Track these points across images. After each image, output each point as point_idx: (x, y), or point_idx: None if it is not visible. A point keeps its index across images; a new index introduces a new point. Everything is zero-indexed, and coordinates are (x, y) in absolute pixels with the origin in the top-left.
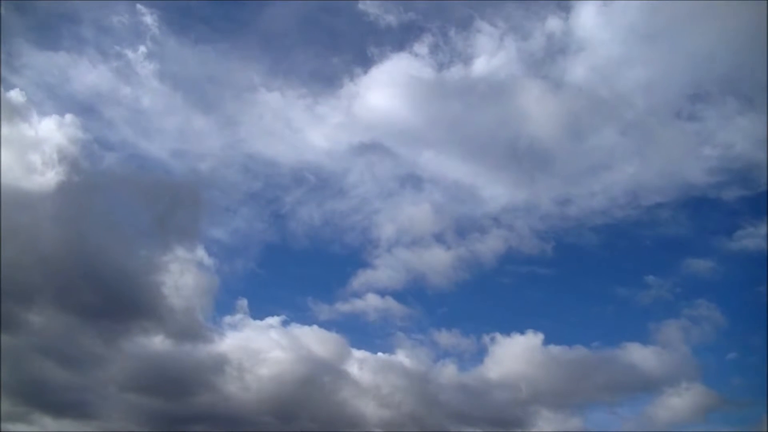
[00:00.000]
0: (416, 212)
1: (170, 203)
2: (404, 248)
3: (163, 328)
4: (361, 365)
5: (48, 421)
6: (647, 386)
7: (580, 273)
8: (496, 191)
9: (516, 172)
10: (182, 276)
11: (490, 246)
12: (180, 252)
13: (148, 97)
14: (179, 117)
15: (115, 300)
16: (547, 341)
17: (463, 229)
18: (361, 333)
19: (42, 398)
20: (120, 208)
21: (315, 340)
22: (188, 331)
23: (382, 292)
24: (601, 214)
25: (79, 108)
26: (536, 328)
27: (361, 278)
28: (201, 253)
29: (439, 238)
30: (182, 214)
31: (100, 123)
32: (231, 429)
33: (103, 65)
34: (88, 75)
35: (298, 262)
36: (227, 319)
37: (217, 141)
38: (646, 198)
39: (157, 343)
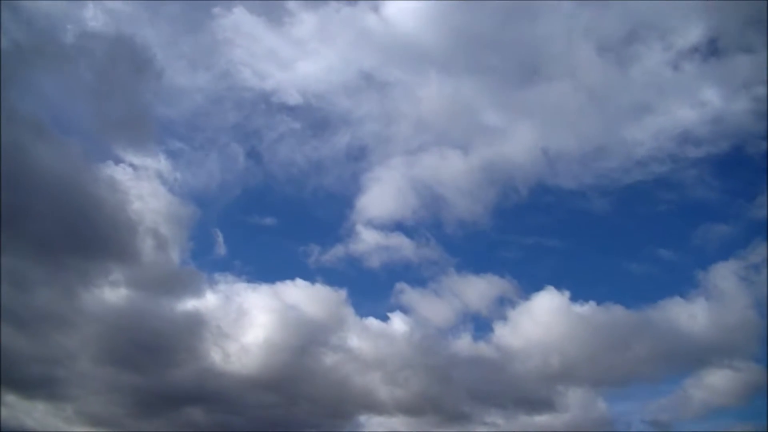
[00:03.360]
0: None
1: (107, 79)
2: (411, 156)
3: (129, 274)
4: (363, 331)
5: (23, 405)
6: (694, 356)
7: (613, 231)
8: (526, 136)
9: (552, 111)
10: (145, 197)
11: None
12: (134, 159)
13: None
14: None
15: (62, 230)
16: (574, 298)
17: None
18: (363, 286)
19: (6, 373)
20: (43, 96)
21: (307, 300)
22: (162, 279)
23: (385, 228)
24: (640, 167)
25: None
26: (562, 285)
27: (360, 210)
28: (164, 163)
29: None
30: (125, 93)
31: None
32: (229, 412)
33: None
34: None
35: (284, 204)
36: (206, 275)
37: (200, 73)
38: (694, 150)
39: (125, 298)
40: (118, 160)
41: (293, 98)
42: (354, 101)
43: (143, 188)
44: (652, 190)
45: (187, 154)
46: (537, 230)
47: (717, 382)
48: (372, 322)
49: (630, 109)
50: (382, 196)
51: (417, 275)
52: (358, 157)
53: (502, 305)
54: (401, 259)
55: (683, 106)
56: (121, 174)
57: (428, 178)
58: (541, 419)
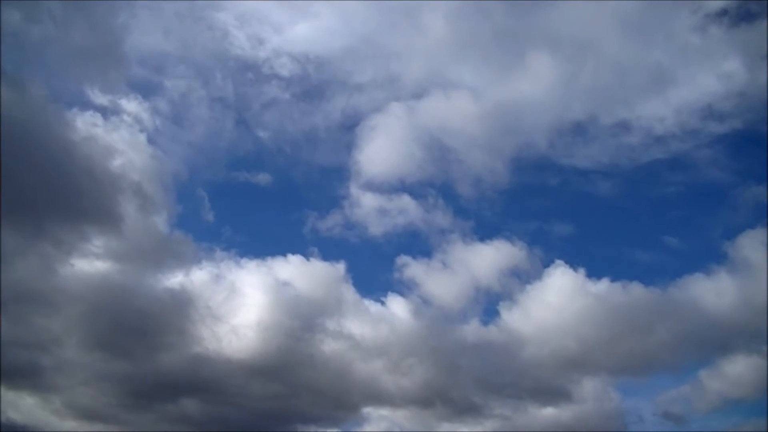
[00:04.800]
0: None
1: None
2: (414, 100)
3: (111, 243)
4: (363, 312)
5: (8, 397)
6: (718, 340)
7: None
8: (544, 111)
9: (572, 85)
10: (122, 147)
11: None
12: (104, 100)
13: None
14: None
15: (32, 192)
16: (590, 275)
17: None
18: (363, 261)
19: None
20: None
21: (303, 277)
22: (148, 249)
23: (386, 189)
24: (660, 144)
25: None
26: (577, 261)
27: (357, 168)
28: (142, 106)
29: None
30: (91, 16)
31: None
32: (226, 404)
33: None
34: None
35: (276, 167)
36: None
37: (184, 38)
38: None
39: (108, 271)
40: (87, 104)
41: (288, 63)
42: (356, 60)
43: (120, 137)
44: (671, 168)
45: (171, 120)
46: (551, 204)
47: (738, 370)
48: (373, 301)
49: (653, 77)
50: (382, 149)
51: (422, 245)
52: (354, 118)
53: (516, 279)
54: (406, 226)
55: (709, 76)
56: (93, 121)
57: (434, 127)
58: (552, 411)
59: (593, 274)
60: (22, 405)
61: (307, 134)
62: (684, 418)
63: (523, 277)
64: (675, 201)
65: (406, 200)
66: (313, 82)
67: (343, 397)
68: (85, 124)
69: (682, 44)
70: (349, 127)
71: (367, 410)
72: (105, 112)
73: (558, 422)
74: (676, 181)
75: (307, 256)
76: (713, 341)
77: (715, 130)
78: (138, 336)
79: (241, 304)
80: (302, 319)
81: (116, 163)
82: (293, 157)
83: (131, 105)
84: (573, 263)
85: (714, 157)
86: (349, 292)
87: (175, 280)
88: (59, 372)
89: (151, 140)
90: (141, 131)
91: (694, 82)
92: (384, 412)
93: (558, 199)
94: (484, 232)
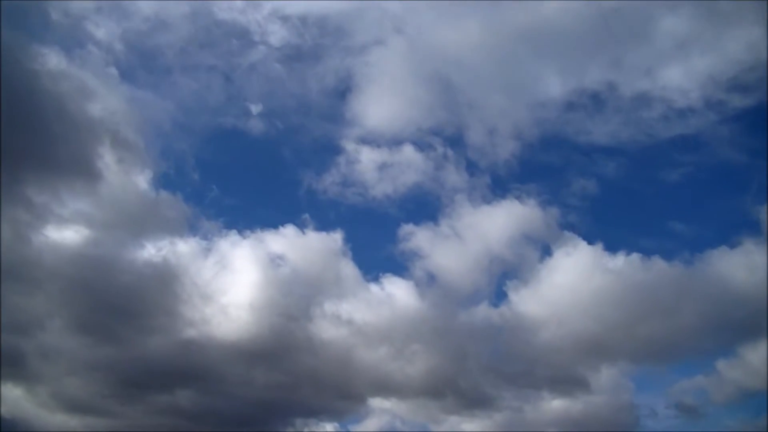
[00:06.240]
0: None
1: None
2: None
3: (89, 205)
4: (363, 291)
5: None
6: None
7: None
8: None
9: (593, 43)
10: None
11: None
12: (63, 19)
13: None
14: None
15: None
16: (608, 248)
17: None
18: (361, 231)
19: None
20: None
21: (298, 252)
22: (131, 212)
23: (386, 140)
24: (680, 118)
25: None
26: (594, 235)
27: (354, 115)
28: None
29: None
30: None
31: None
32: (222, 395)
33: None
34: None
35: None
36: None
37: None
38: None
39: (86, 240)
40: (48, 29)
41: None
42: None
43: (89, 73)
44: (694, 143)
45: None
46: (565, 177)
47: (760, 359)
48: (374, 278)
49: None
50: (382, 91)
51: (428, 207)
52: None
53: (530, 247)
54: (411, 187)
55: (738, 43)
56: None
57: (441, 62)
58: (564, 403)
59: (610, 248)
60: (8, 397)
61: (300, 98)
62: (699, 411)
63: (537, 244)
64: (696, 176)
65: (410, 153)
66: (310, 44)
67: (346, 387)
68: (49, 55)
69: (710, 7)
70: (344, 91)
71: (373, 401)
72: (69, 41)
73: (569, 415)
74: (697, 158)
75: (301, 226)
76: (737, 324)
77: (740, 103)
78: (122, 317)
79: (232, 281)
80: (298, 299)
81: (88, 104)
82: (285, 114)
83: (100, 32)
84: (589, 236)
85: (738, 131)
86: (348, 267)
87: (159, 253)
88: (43, 359)
89: (124, 77)
90: (112, 65)
91: (721, 49)
92: (390, 404)
93: (572, 176)
94: (498, 191)
